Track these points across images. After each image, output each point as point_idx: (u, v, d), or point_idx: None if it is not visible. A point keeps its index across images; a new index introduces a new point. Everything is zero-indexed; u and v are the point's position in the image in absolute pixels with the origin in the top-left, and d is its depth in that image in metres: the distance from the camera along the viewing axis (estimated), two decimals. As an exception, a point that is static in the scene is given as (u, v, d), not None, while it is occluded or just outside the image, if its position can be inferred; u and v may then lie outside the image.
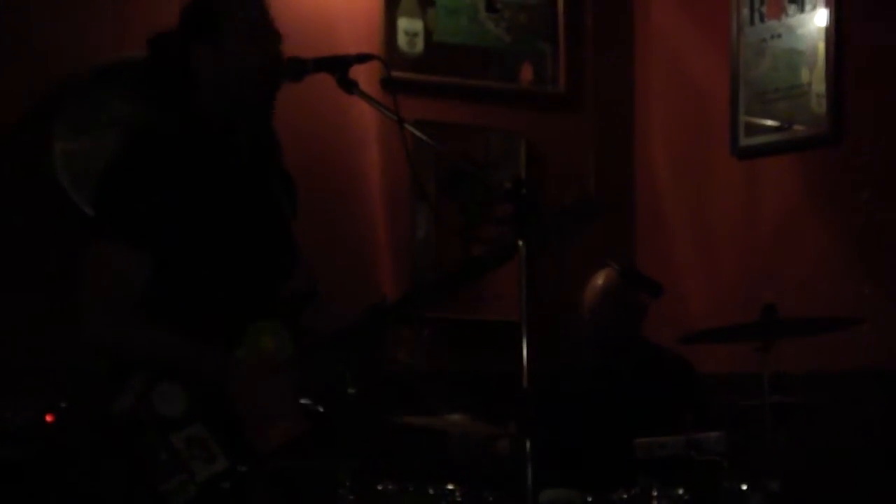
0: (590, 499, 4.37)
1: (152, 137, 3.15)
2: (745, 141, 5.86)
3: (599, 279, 5.07)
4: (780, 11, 5.74)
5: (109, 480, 3.00)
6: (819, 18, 5.57)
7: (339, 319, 3.35)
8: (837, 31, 5.50)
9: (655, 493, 4.29)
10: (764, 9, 5.80)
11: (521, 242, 3.12)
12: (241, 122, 3.24)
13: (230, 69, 3.20)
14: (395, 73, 4.97)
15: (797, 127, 5.66)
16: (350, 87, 3.23)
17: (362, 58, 3.25)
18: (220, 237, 3.14)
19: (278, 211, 3.32)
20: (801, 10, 5.65)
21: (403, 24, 5.88)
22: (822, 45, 5.55)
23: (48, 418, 4.48)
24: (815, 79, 5.57)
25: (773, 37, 5.77)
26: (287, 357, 3.14)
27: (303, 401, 3.17)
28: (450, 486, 4.37)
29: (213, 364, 3.06)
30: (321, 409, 3.19)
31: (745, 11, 5.86)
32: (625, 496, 4.31)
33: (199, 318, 3.09)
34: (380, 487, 4.39)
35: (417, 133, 3.26)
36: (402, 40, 5.88)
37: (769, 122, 5.77)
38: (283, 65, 3.24)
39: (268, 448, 3.07)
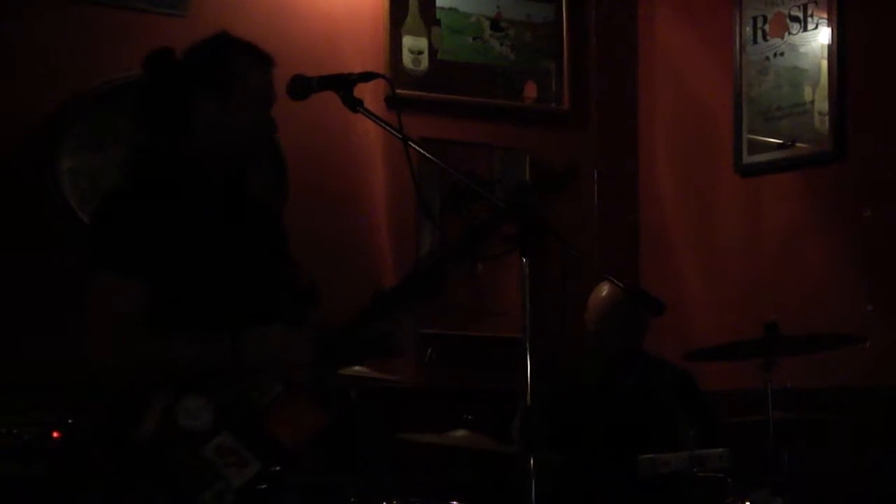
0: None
1: (140, 173, 3.24)
2: (748, 159, 5.88)
3: (603, 289, 5.09)
4: (783, 30, 5.77)
5: (147, 499, 3.02)
6: (822, 36, 5.59)
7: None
8: (840, 50, 5.52)
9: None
10: (767, 27, 5.83)
11: (524, 259, 3.15)
12: (217, 168, 3.28)
13: (228, 128, 3.25)
14: (400, 91, 5.01)
15: (800, 145, 5.68)
16: (355, 105, 3.25)
17: (367, 76, 3.27)
18: (207, 262, 3.18)
19: (257, 228, 3.36)
20: (804, 28, 5.68)
21: (408, 42, 5.91)
22: (825, 64, 5.57)
23: (55, 435, 4.49)
24: (818, 97, 5.59)
25: (776, 55, 5.79)
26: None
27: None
28: (454, 503, 4.39)
29: (229, 340, 3.11)
30: (348, 396, 3.25)
31: (748, 30, 5.89)
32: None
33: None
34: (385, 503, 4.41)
35: (422, 151, 3.29)
36: (407, 58, 5.90)
37: (772, 140, 5.79)
38: (272, 129, 3.30)
39: (295, 445, 3.10)
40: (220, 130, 3.25)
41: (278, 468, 3.07)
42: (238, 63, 3.27)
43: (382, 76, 3.33)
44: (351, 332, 3.26)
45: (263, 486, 3.04)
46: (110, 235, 3.15)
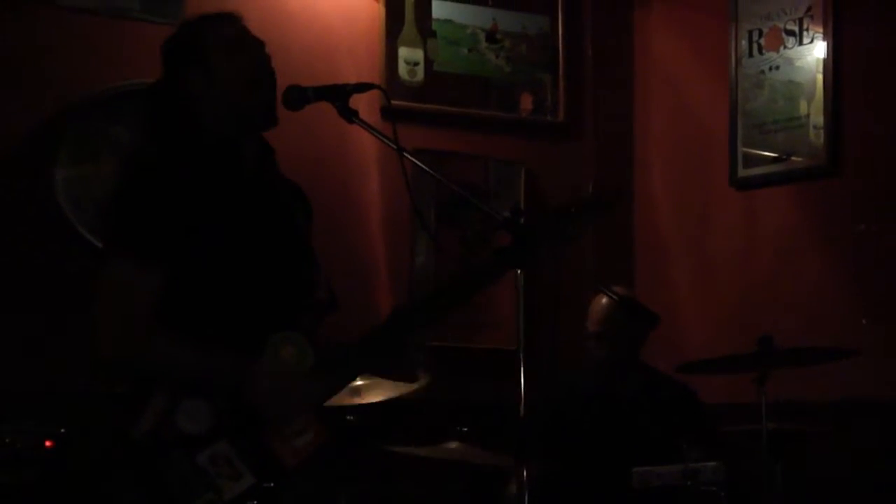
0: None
1: (158, 157, 3.18)
2: (743, 172, 5.88)
3: (603, 298, 5.09)
4: (778, 43, 5.77)
5: (134, 502, 3.00)
6: (818, 51, 5.59)
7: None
8: (836, 64, 5.53)
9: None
10: (763, 41, 5.83)
11: (518, 272, 3.14)
12: (243, 135, 3.27)
13: (224, 85, 3.24)
14: (396, 102, 5.00)
15: (795, 158, 5.68)
16: (350, 115, 3.25)
17: (363, 87, 3.28)
18: (234, 249, 3.14)
19: (292, 221, 3.34)
20: (800, 42, 5.68)
21: (404, 53, 5.91)
22: (820, 78, 5.58)
23: (47, 444, 4.48)
24: (814, 111, 5.60)
25: (771, 69, 5.80)
26: (308, 367, 3.14)
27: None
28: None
29: (235, 371, 3.07)
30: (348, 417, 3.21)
31: (744, 43, 5.89)
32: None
33: (219, 331, 3.10)
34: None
35: (417, 162, 3.28)
36: (402, 69, 5.90)
37: (767, 154, 5.79)
38: (272, 69, 3.28)
39: (293, 461, 3.07)
40: (216, 88, 3.24)
41: (272, 484, 3.04)
42: (201, 30, 3.29)
43: (378, 87, 3.34)
44: (369, 347, 3.24)
45: (254, 502, 3.01)
46: (130, 217, 3.09)
